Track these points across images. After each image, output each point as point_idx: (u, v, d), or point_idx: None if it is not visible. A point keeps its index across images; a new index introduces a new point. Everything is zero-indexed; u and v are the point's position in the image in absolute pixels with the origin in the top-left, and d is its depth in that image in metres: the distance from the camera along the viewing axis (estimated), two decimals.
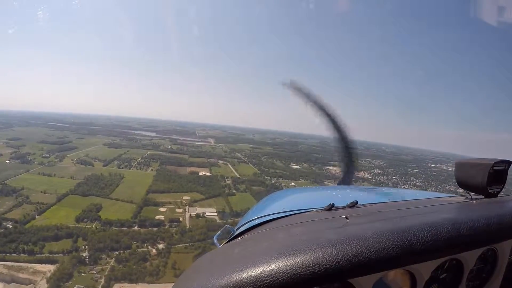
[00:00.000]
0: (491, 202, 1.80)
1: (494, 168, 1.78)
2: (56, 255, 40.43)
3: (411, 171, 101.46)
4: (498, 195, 1.90)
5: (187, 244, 42.31)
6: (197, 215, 51.21)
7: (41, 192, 57.00)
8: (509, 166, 1.86)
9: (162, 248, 41.61)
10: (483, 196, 1.87)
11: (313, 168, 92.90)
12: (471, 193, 1.92)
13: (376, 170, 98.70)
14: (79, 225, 47.04)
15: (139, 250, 41.27)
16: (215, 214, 52.06)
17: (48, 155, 78.06)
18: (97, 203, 53.07)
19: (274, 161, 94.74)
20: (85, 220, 48.48)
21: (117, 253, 40.51)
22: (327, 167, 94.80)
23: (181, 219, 50.16)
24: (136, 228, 46.71)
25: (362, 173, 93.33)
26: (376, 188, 4.74)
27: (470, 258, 1.39)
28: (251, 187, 65.38)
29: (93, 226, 47.05)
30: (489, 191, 1.82)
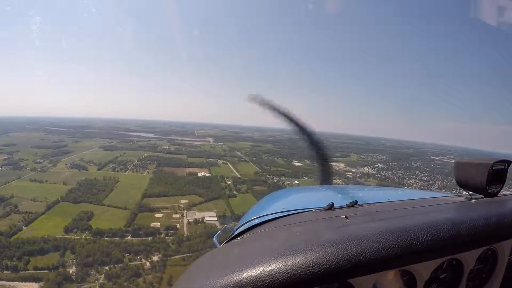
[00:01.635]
0: (490, 201, 1.77)
1: (494, 167, 1.74)
2: (41, 271, 35.77)
3: (414, 165, 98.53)
4: (498, 195, 1.86)
5: (185, 255, 37.25)
6: (196, 221, 46.18)
7: (31, 200, 52.46)
8: (508, 165, 1.83)
9: (157, 260, 36.66)
10: (483, 196, 1.84)
11: (316, 165, 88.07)
12: (471, 193, 1.89)
13: (380, 165, 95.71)
14: (68, 236, 42.23)
15: (131, 263, 36.27)
16: (215, 218, 46.97)
17: (41, 160, 73.60)
18: (89, 211, 48.22)
19: (275, 158, 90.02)
20: (74, 230, 43.68)
21: (107, 268, 35.57)
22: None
23: (178, 225, 45.13)
24: (129, 238, 41.75)
25: (366, 168, 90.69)
26: (376, 188, 4.37)
27: (469, 258, 1.38)
28: (252, 187, 60.36)
29: (83, 237, 42.26)
30: (489, 190, 1.79)
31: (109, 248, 38.55)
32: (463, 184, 1.88)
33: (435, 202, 1.84)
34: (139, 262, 36.61)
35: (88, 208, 49.69)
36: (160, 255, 37.47)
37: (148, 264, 36.16)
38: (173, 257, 37.31)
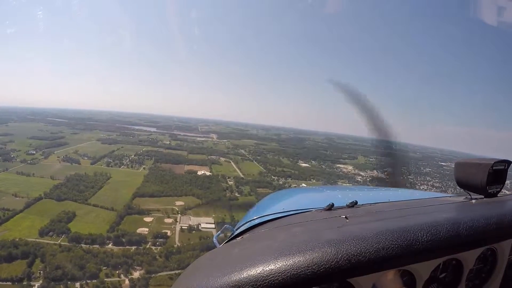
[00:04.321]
0: (490, 202, 1.74)
1: (494, 168, 1.71)
2: (3, 283, 29.03)
3: (424, 170, 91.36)
4: (498, 195, 1.83)
5: (173, 272, 29.77)
6: (190, 228, 38.70)
7: (12, 195, 45.93)
8: (508, 166, 1.79)
9: (139, 277, 29.29)
10: (483, 196, 1.80)
11: (323, 166, 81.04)
12: (471, 193, 1.84)
13: (389, 169, 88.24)
14: (42, 240, 35.37)
15: (107, 280, 29.08)
16: (213, 226, 39.29)
17: (34, 152, 67.16)
18: (71, 211, 41.15)
19: (280, 158, 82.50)
20: (50, 233, 36.73)
21: (78, 285, 28.37)
22: (337, 165, 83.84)
23: (169, 233, 37.66)
24: (110, 246, 34.54)
25: (375, 171, 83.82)
26: (376, 188, 3.98)
27: (469, 258, 1.36)
28: (256, 190, 52.68)
29: (59, 242, 35.21)
30: (489, 191, 1.75)
31: (84, 259, 31.41)
32: (463, 184, 1.84)
33: (435, 202, 1.83)
34: (117, 279, 29.38)
35: (71, 207, 42.75)
36: (142, 271, 30.11)
37: (127, 282, 28.92)
38: (158, 274, 29.91)
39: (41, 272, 30.36)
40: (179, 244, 35.39)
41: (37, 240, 35.39)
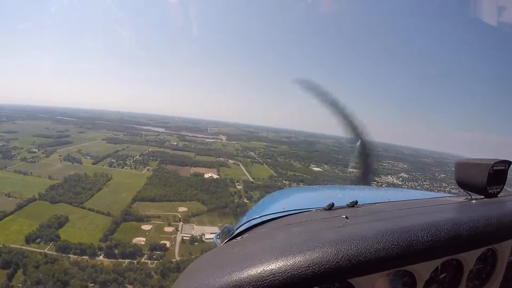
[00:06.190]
0: (491, 202, 1.70)
1: (494, 168, 1.68)
2: None
3: (438, 176, 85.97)
4: (498, 195, 1.78)
5: None
6: (192, 239, 33.81)
7: (5, 195, 42.09)
8: (509, 166, 1.75)
9: None
10: (483, 196, 1.75)
11: (336, 170, 75.66)
12: (471, 193, 1.80)
13: (404, 174, 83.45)
14: (28, 248, 31.26)
15: None
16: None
17: (36, 150, 63.83)
18: (63, 215, 36.90)
19: (291, 161, 77.47)
20: (38, 240, 32.50)
21: None
22: (350, 170, 78.43)
23: (168, 244, 32.83)
24: (101, 258, 29.97)
25: (389, 177, 78.66)
26: (376, 188, 4.03)
27: (469, 258, 1.34)
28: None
29: (46, 250, 30.96)
30: (489, 191, 1.71)
31: (70, 274, 26.80)
32: (463, 185, 1.80)
33: (435, 203, 1.80)
34: None
35: (65, 210, 38.60)
36: None
37: None
38: None
39: (20, 286, 26.01)
40: (178, 259, 30.52)
41: (22, 247, 31.30)
